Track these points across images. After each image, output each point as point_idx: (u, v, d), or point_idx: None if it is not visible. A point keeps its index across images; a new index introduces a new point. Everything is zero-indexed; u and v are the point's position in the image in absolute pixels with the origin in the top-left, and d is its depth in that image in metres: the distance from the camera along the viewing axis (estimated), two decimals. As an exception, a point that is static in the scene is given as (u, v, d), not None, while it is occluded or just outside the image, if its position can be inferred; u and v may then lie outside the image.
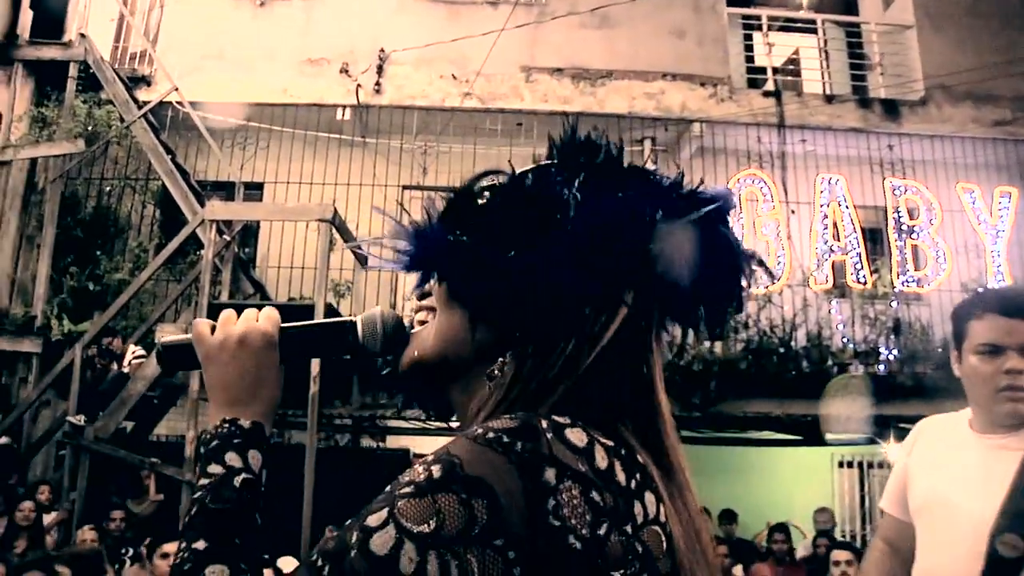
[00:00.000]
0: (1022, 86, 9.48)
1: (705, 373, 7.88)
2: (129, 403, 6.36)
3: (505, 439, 0.66)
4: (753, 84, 10.03)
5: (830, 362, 8.21)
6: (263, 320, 0.86)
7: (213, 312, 6.96)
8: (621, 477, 0.70)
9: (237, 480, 0.78)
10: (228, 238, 7.65)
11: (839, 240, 8.80)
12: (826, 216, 8.88)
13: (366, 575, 0.61)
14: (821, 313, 8.54)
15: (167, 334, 6.66)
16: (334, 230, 7.01)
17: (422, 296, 0.89)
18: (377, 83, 9.38)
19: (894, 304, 8.50)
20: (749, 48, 10.37)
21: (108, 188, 8.77)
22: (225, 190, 8.86)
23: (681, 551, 0.73)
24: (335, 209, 6.98)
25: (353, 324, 0.88)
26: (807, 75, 10.31)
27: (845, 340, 8.46)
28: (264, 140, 9.03)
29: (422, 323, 0.88)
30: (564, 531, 0.63)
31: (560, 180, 0.79)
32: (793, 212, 8.97)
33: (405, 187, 8.46)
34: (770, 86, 9.83)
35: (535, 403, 0.73)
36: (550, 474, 0.65)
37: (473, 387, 0.80)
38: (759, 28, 10.15)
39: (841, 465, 9.25)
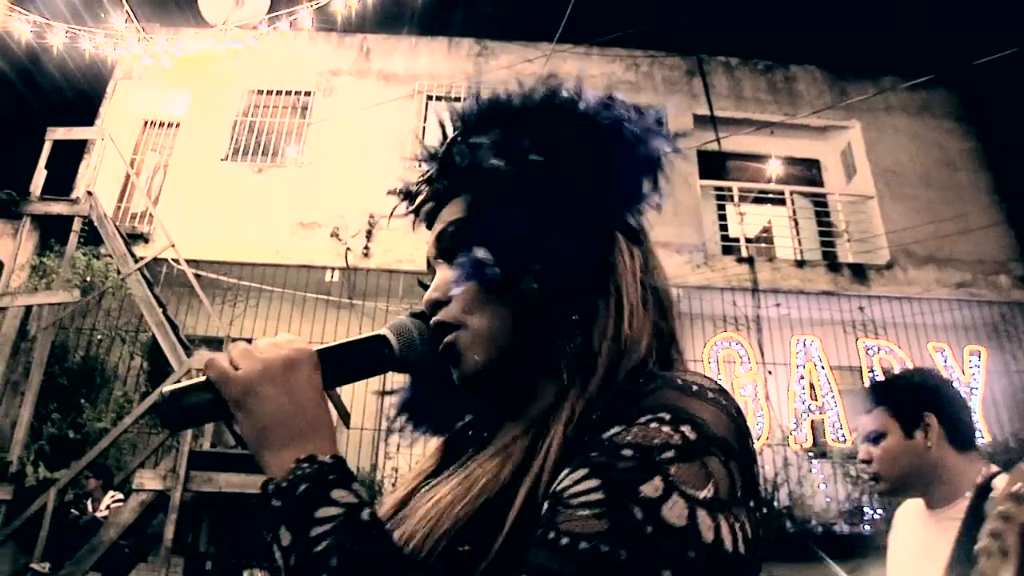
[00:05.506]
0: (978, 251, 10.01)
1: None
2: (99, 550, 6.18)
3: (723, 401, 0.66)
4: (728, 251, 10.46)
5: (814, 522, 8.12)
6: (297, 342, 0.75)
7: (194, 462, 6.94)
8: None
9: (364, 514, 0.64)
10: (213, 389, 7.71)
11: (816, 400, 8.95)
12: (802, 376, 9.07)
13: (673, 552, 0.55)
14: (802, 472, 8.54)
15: (146, 480, 6.63)
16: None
17: (437, 305, 0.82)
18: (366, 247, 9.71)
19: (874, 463, 8.51)
20: (723, 218, 10.92)
21: (99, 338, 8.92)
22: (214, 346, 9.00)
23: None
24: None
25: (384, 337, 0.80)
26: (779, 242, 10.82)
27: (828, 500, 8.40)
28: (255, 299, 9.29)
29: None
30: (760, 496, 0.65)
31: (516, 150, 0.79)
32: (770, 373, 9.15)
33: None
34: (744, 253, 10.28)
35: (640, 349, 0.74)
36: (751, 442, 0.65)
37: (542, 370, 0.76)
38: (731, 200, 10.75)
39: (832, 631, 8.88)
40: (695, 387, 0.65)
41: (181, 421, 0.73)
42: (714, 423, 0.62)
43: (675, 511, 0.56)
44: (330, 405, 0.76)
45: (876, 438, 1.86)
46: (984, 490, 1.73)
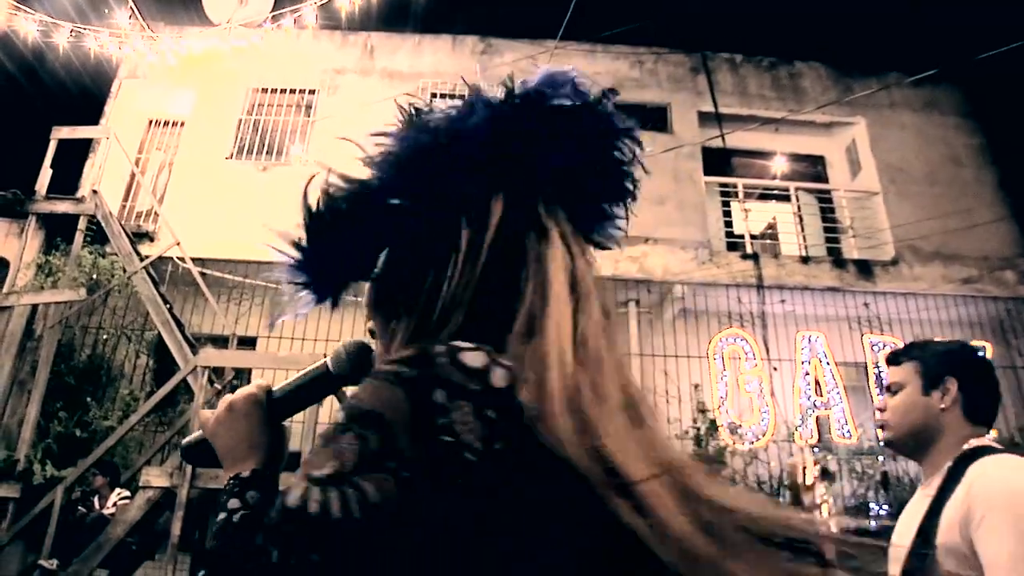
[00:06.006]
0: (984, 246, 9.99)
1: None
2: (106, 548, 6.21)
3: (396, 369, 0.70)
4: (733, 247, 10.44)
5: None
6: (250, 386, 0.95)
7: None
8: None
9: (235, 517, 0.81)
10: (219, 387, 7.73)
11: (822, 396, 8.94)
12: (808, 373, 9.06)
13: (284, 530, 0.63)
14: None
15: (153, 477, 6.65)
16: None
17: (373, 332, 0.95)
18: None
19: (880, 458, 8.51)
20: (728, 214, 10.92)
21: (104, 337, 8.94)
22: (220, 344, 9.02)
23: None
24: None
25: (326, 363, 0.97)
26: (783, 238, 10.79)
27: (833, 496, 8.39)
28: (260, 296, 9.30)
29: None
30: (458, 447, 0.66)
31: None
32: (776, 369, 9.13)
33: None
34: (749, 249, 10.26)
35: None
36: (440, 395, 0.67)
37: None
38: (736, 196, 10.73)
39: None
40: (382, 368, 0.71)
41: (197, 462, 1.01)
42: (368, 400, 0.68)
43: (293, 495, 0.63)
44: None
45: (895, 390, 1.92)
46: (965, 457, 1.75)
